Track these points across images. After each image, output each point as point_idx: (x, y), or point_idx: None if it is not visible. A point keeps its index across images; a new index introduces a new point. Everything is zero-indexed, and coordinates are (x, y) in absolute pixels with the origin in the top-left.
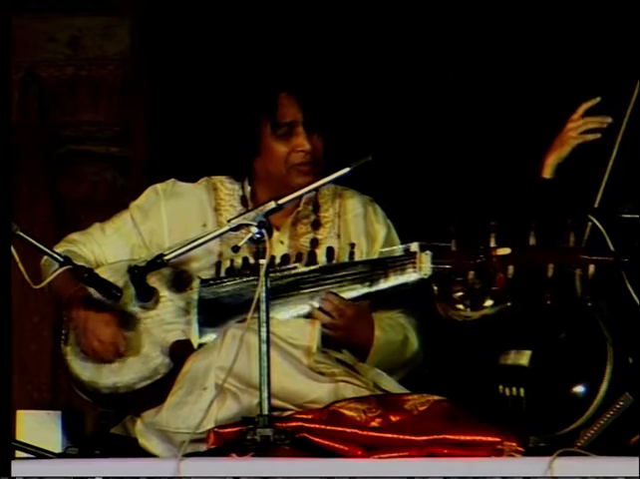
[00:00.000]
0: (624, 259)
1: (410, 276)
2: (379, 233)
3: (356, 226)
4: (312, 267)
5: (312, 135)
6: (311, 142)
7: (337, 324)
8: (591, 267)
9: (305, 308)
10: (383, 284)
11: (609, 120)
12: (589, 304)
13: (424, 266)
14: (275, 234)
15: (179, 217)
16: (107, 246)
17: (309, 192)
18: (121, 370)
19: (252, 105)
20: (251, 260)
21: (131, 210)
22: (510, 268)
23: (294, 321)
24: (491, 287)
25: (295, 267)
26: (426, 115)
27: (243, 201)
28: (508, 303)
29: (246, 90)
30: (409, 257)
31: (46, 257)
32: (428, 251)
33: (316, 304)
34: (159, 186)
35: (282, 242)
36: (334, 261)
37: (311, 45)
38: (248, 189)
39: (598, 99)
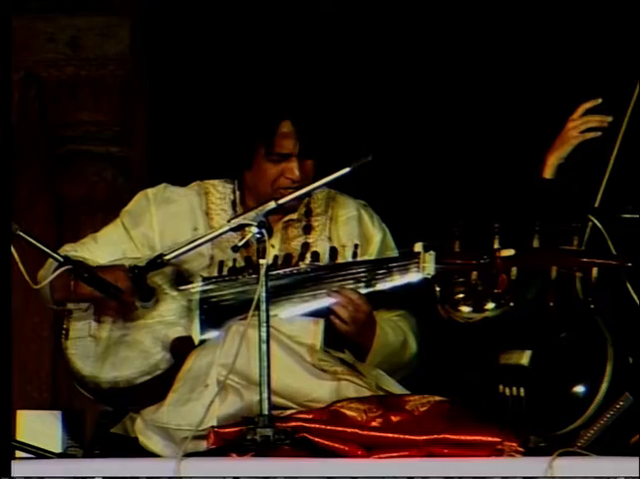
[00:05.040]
0: (628, 264)
1: (413, 277)
2: (374, 236)
3: (350, 228)
4: (316, 266)
5: (305, 161)
6: (302, 168)
7: (353, 317)
8: (594, 270)
9: (308, 307)
10: (386, 284)
11: (609, 119)
12: (591, 307)
13: (427, 266)
14: None
15: (170, 221)
16: (98, 252)
17: (309, 192)
18: (121, 365)
19: (250, 130)
20: (242, 263)
21: (121, 216)
22: (514, 270)
23: (298, 320)
24: (494, 289)
25: (298, 266)
26: (429, 116)
27: (233, 205)
28: (511, 305)
29: (246, 110)
30: (412, 257)
31: (45, 267)
32: (431, 252)
33: (332, 299)
34: (149, 191)
35: (273, 247)
36: (327, 263)
37: (308, 65)
38: (238, 193)
39: (599, 100)
